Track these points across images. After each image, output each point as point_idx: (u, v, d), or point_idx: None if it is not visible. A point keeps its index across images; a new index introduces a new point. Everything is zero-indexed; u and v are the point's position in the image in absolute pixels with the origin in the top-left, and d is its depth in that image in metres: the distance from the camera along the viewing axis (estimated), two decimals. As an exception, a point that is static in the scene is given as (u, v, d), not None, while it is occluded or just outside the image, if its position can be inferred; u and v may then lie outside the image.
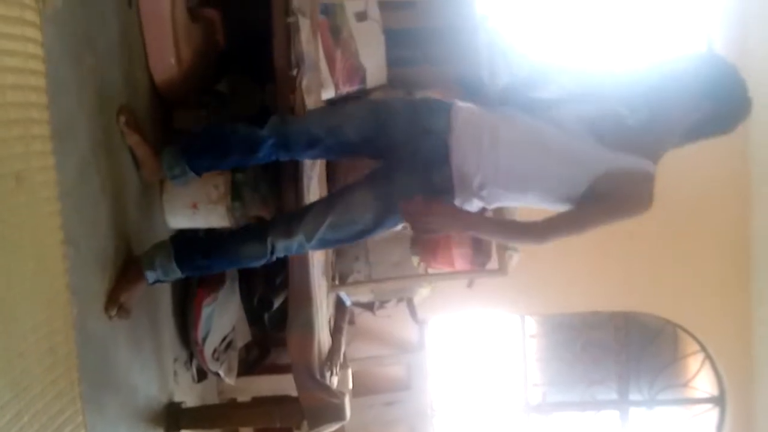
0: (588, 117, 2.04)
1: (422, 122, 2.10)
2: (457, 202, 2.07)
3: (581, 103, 2.07)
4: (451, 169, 2.04)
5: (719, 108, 1.90)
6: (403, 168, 2.07)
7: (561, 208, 2.02)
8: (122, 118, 2.12)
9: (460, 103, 2.16)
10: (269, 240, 2.09)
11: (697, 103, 1.90)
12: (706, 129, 1.96)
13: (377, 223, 2.09)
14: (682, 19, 4.69)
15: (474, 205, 2.13)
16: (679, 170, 3.85)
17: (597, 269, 4.38)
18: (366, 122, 2.12)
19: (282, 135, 2.12)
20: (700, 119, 1.93)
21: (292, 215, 2.17)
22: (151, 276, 2.11)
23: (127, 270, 2.11)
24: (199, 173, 2.20)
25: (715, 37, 4.60)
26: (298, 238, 2.09)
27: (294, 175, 2.43)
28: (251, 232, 2.17)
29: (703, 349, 4.88)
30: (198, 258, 2.15)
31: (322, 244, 2.19)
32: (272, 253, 2.12)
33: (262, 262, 2.15)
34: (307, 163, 2.46)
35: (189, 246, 2.15)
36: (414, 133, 2.09)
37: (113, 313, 2.02)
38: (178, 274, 2.12)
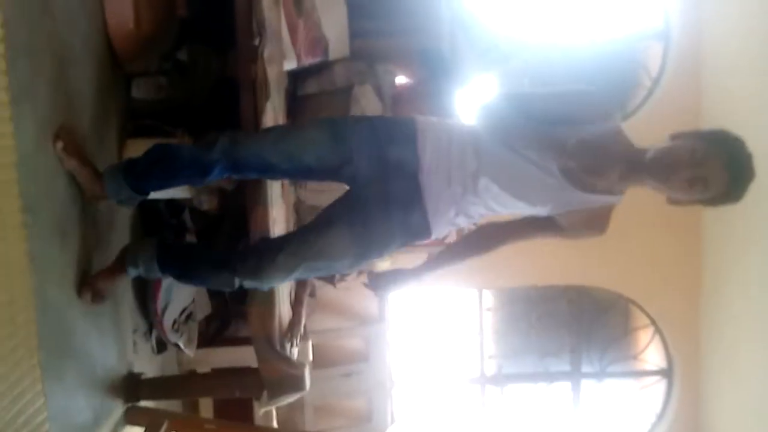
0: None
1: (388, 152, 2.02)
2: (435, 234, 2.08)
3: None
4: (426, 211, 2.02)
5: None
6: (378, 210, 2.02)
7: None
8: (59, 144, 1.94)
9: (423, 123, 2.07)
10: (237, 279, 2.08)
11: None
12: None
13: (353, 265, 2.09)
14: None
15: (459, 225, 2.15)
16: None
17: (551, 244, 4.41)
18: (326, 150, 2.02)
19: (232, 159, 2.03)
20: None
21: (261, 252, 2.09)
22: (132, 272, 2.13)
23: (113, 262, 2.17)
24: (146, 194, 2.12)
25: (672, 15, 4.69)
26: (268, 281, 2.09)
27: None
28: (221, 264, 2.11)
29: (653, 322, 5.03)
30: (175, 270, 2.18)
31: (296, 279, 2.28)
32: (240, 288, 2.12)
33: (233, 290, 2.15)
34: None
35: (170, 256, 2.15)
36: (382, 167, 2.02)
37: (88, 297, 2.08)
38: (159, 275, 2.16)
